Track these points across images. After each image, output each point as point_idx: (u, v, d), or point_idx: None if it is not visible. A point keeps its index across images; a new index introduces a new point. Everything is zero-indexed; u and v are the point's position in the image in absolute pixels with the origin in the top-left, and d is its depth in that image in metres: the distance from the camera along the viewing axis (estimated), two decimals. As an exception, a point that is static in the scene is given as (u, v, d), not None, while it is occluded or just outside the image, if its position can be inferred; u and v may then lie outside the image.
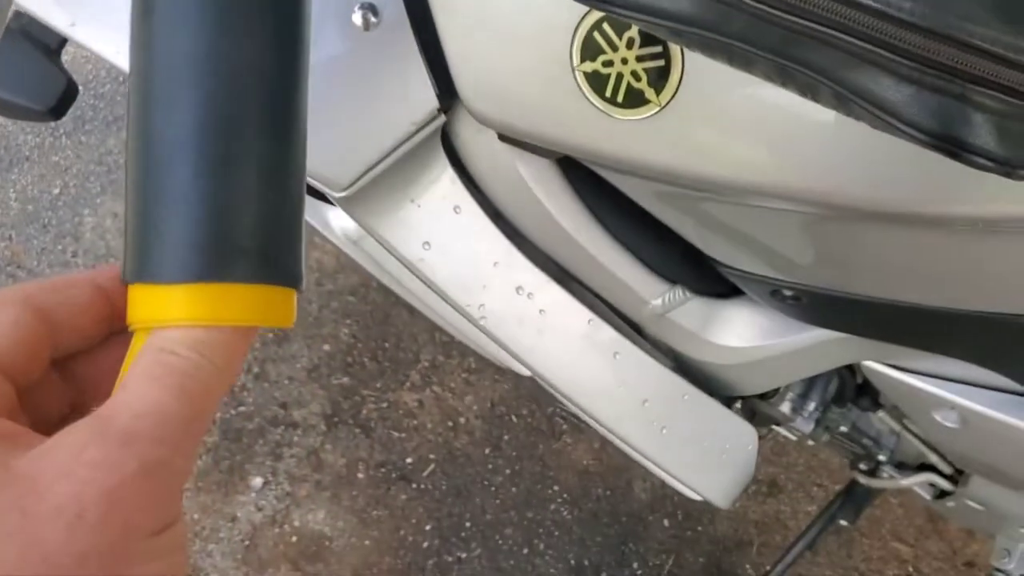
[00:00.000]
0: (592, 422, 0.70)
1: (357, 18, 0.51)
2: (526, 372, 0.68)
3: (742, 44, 0.37)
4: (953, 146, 0.33)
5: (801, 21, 0.33)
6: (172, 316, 0.31)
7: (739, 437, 0.73)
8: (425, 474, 1.33)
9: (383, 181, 0.56)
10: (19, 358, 0.29)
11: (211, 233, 0.32)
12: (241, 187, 0.32)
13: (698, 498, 0.74)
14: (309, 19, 0.36)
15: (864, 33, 0.32)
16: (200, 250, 0.31)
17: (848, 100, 0.36)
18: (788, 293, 0.63)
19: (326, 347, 1.40)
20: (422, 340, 1.41)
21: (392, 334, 1.41)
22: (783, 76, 0.37)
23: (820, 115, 0.46)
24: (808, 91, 0.37)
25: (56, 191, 1.49)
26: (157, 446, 0.27)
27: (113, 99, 1.55)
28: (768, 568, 1.16)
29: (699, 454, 0.71)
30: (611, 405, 0.68)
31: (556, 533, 1.30)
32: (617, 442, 0.71)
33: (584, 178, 0.62)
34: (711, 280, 0.69)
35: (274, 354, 1.37)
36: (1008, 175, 0.34)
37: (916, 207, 0.46)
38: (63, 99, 0.70)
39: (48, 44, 0.67)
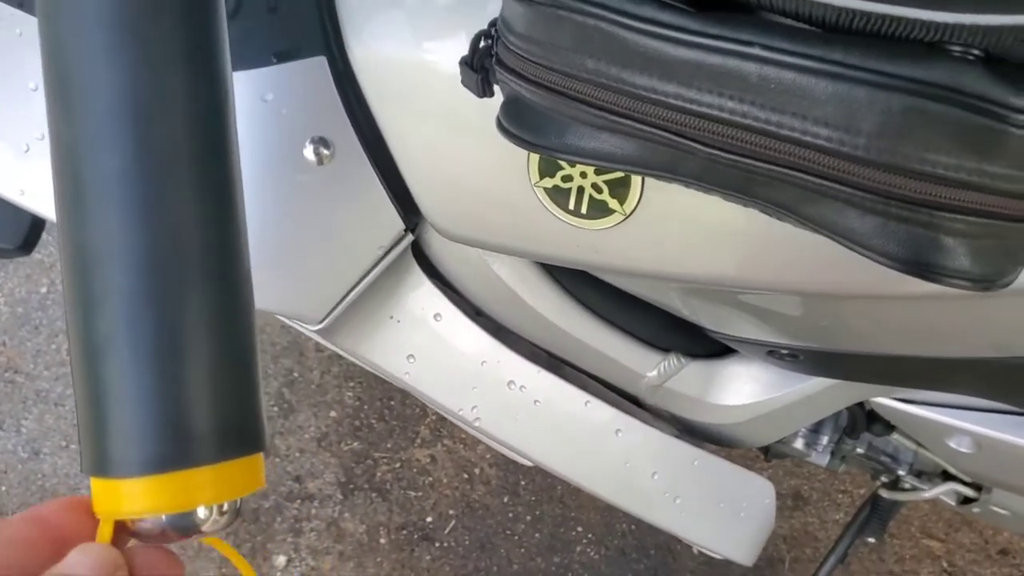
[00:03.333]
0: (605, 500, 0.69)
1: (309, 153, 0.50)
2: (528, 463, 0.67)
3: (699, 183, 0.36)
4: (927, 271, 0.32)
5: (756, 163, 0.32)
6: (136, 509, 0.31)
7: (755, 493, 0.71)
8: (447, 531, 1.32)
9: (359, 305, 0.55)
10: None
11: (164, 421, 0.30)
12: (188, 367, 0.31)
13: (720, 558, 0.73)
14: (239, 176, 0.34)
15: (821, 172, 0.31)
16: (155, 440, 0.30)
17: (812, 228, 0.35)
18: (784, 352, 0.62)
19: (332, 413, 1.38)
20: (427, 393, 1.40)
21: (396, 391, 1.40)
22: (744, 204, 0.36)
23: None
24: (772, 215, 0.36)
25: (44, 290, 1.49)
26: None
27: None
28: (802, 584, 1.15)
29: (717, 517, 0.70)
30: (620, 484, 0.67)
31: (585, 575, 1.29)
32: (633, 514, 0.70)
33: (559, 266, 0.61)
34: (704, 342, 0.67)
35: (281, 427, 1.36)
36: (986, 290, 0.33)
37: (890, 288, 0.45)
38: (30, 234, 0.70)
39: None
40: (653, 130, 0.33)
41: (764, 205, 0.34)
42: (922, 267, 0.32)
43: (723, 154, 0.32)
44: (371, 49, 0.48)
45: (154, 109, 0.31)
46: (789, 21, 0.30)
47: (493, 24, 0.38)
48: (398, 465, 1.36)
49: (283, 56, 0.49)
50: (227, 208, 0.33)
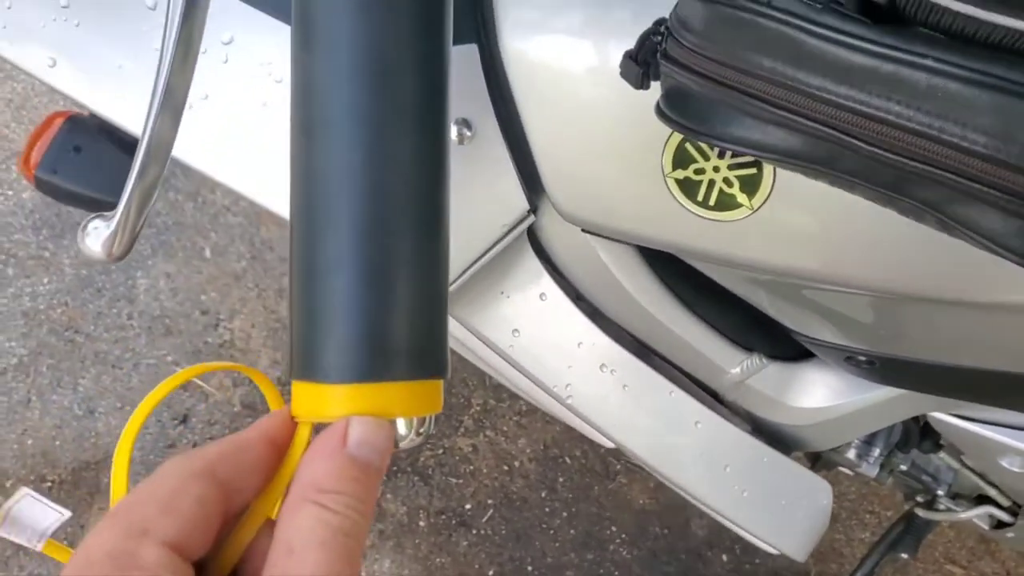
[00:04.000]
0: (675, 487, 0.72)
1: (452, 132, 0.54)
2: (610, 444, 0.70)
3: (853, 178, 0.39)
4: (1061, 273, 0.35)
5: (917, 164, 0.35)
6: (335, 413, 0.34)
7: (815, 493, 0.75)
8: (484, 519, 1.35)
9: (476, 278, 0.59)
10: (197, 535, 0.29)
11: (370, 337, 0.34)
12: (396, 293, 0.35)
13: (776, 553, 0.77)
14: (449, 125, 0.38)
15: (974, 175, 0.34)
16: (360, 353, 0.34)
17: (952, 227, 0.38)
18: (862, 359, 0.65)
19: (379, 397, 1.42)
20: (473, 384, 1.44)
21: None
22: (887, 202, 0.40)
23: (902, 219, 0.48)
24: (911, 214, 0.39)
25: (108, 255, 1.53)
26: None
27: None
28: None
29: (778, 513, 0.73)
30: (694, 472, 0.70)
31: (616, 573, 1.32)
32: (698, 504, 0.73)
33: (661, 258, 0.64)
34: (786, 345, 0.71)
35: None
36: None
37: (997, 296, 0.48)
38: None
39: (123, 138, 0.70)
40: (821, 127, 0.37)
41: (911, 203, 0.38)
42: (1056, 268, 0.35)
43: (884, 153, 0.36)
44: (520, 40, 0.52)
45: (392, 58, 0.35)
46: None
47: (660, 23, 0.42)
48: (441, 452, 1.39)
49: (440, 40, 0.53)
50: (440, 157, 0.37)
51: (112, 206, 0.74)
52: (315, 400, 0.35)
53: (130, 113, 0.58)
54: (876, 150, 0.36)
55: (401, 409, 0.35)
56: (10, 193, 1.54)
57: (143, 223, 0.44)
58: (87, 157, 0.76)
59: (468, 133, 0.54)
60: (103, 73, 0.58)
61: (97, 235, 0.42)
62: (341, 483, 0.31)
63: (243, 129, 0.55)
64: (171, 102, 0.42)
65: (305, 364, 0.35)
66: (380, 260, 0.34)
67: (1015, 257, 0.36)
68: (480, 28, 0.54)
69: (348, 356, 0.34)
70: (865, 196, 0.40)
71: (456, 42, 0.54)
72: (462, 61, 0.54)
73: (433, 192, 0.36)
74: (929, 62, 0.34)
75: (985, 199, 0.35)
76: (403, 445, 0.35)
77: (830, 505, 0.77)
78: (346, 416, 0.34)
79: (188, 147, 0.57)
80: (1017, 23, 0.32)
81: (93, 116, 0.76)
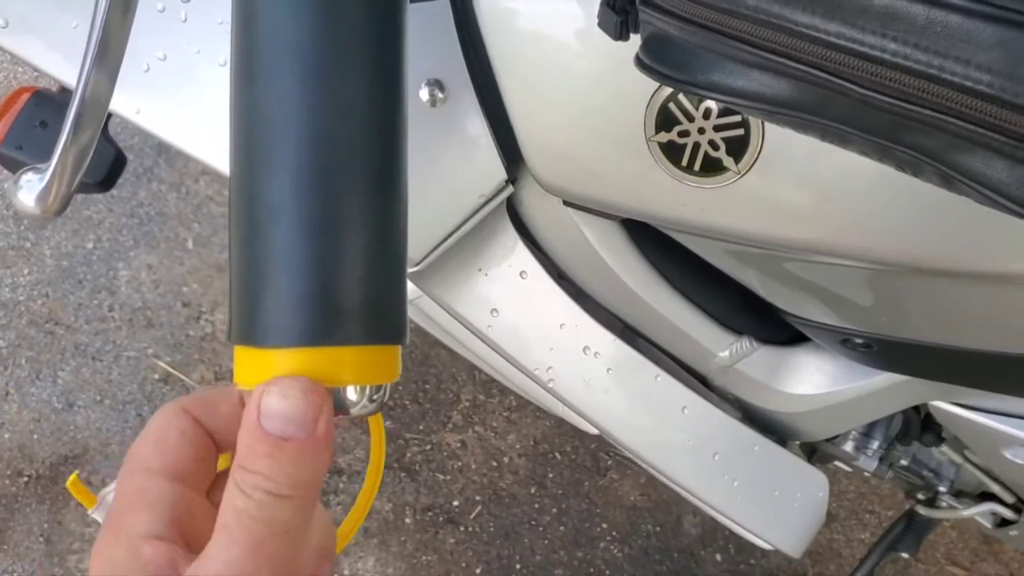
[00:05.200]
0: (662, 477, 0.69)
1: (424, 94, 0.51)
2: (593, 431, 0.67)
3: (844, 127, 0.36)
4: (1072, 226, 0.32)
5: (914, 108, 0.32)
6: None
7: (810, 485, 0.72)
8: (472, 516, 1.32)
9: (451, 253, 0.56)
10: (191, 465, 0.31)
11: (314, 296, 0.31)
12: (346, 247, 0.31)
13: (770, 548, 0.73)
14: (406, 71, 0.35)
15: (977, 118, 0.31)
16: (303, 314, 0.31)
17: (954, 179, 0.35)
18: (859, 341, 0.62)
19: (366, 391, 1.39)
20: (462, 380, 1.41)
21: (432, 375, 1.41)
22: (882, 154, 0.36)
23: (900, 180, 0.45)
24: (908, 168, 0.36)
25: (90, 246, 1.50)
26: None
27: (142, 151, 1.56)
28: (826, 600, 1.15)
29: (771, 506, 0.70)
30: (681, 460, 0.67)
31: (607, 572, 1.29)
32: (687, 496, 0.70)
33: (647, 235, 0.61)
34: (777, 328, 0.68)
35: (314, 400, 1.36)
36: None
37: (987, 265, 0.45)
38: (112, 170, 0.70)
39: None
40: (809, 69, 0.33)
41: (908, 153, 0.35)
42: (1066, 221, 0.32)
43: (878, 96, 0.32)
44: (495, -3, 0.49)
45: None
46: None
47: (640, -33, 0.39)
48: (428, 447, 1.36)
49: (410, -5, 0.50)
50: (393, 103, 0.33)
51: (93, 187, 0.72)
52: (256, 367, 0.32)
53: (85, 75, 0.55)
54: (870, 93, 0.33)
55: (352, 376, 0.32)
56: (-11, 182, 1.51)
57: (79, 179, 0.41)
58: (53, 133, 0.73)
59: (440, 95, 0.51)
60: (57, 34, 0.55)
61: (30, 188, 0.39)
62: (249, 460, 0.29)
63: (201, 90, 0.52)
64: (107, 57, 0.39)
65: (244, 326, 0.32)
66: (325, 209, 0.31)
67: (1021, 209, 0.33)
68: (453, -17, 0.51)
69: (289, 317, 0.31)
70: (859, 150, 0.37)
71: (428, -3, 0.51)
72: (434, 17, 0.51)
73: (387, 140, 0.33)
74: (927, -8, 0.31)
75: (990, 145, 0.32)
76: (355, 412, 0.32)
77: (827, 498, 0.73)
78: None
79: (146, 112, 0.55)
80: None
81: (62, 91, 0.74)
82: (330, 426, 0.30)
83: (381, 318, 0.32)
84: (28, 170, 0.40)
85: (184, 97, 0.53)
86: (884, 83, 0.32)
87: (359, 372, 0.32)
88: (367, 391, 0.32)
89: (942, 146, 0.34)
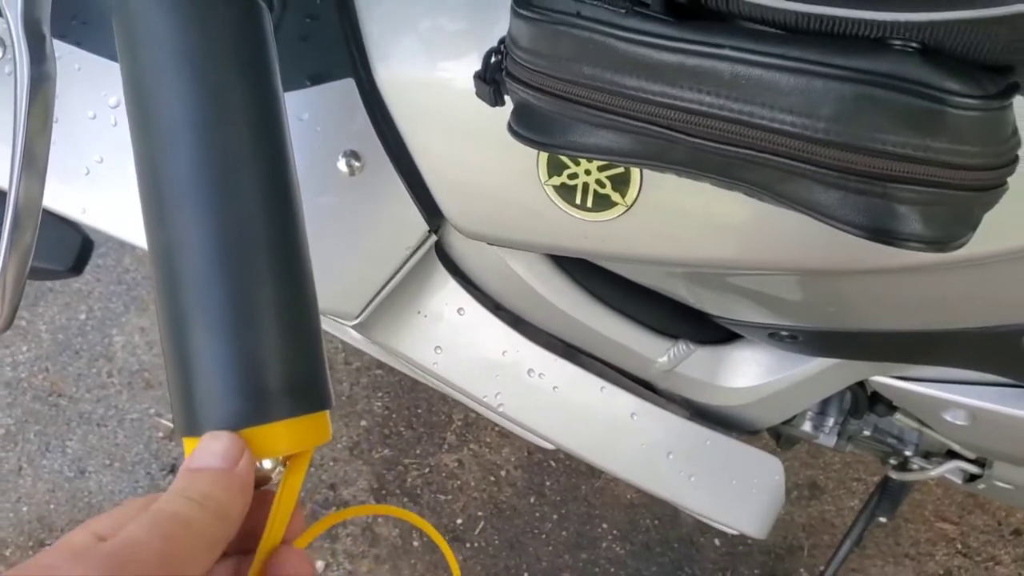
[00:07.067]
0: (626, 482, 0.73)
1: (342, 165, 0.56)
2: (550, 446, 0.71)
3: (687, 169, 0.41)
4: (886, 237, 0.37)
5: (737, 149, 0.36)
6: None
7: (765, 470, 0.76)
8: (476, 532, 1.36)
9: (390, 302, 0.61)
10: None
11: (243, 384, 0.36)
12: (261, 336, 0.36)
13: (735, 532, 0.78)
14: (294, 174, 0.40)
15: (788, 153, 0.35)
16: (236, 401, 0.35)
17: (788, 205, 0.39)
18: (784, 334, 0.66)
19: (363, 423, 1.44)
20: (452, 400, 1.45)
21: (423, 399, 1.45)
22: (729, 187, 0.41)
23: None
24: (752, 195, 0.41)
25: (83, 316, 1.55)
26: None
27: (122, 218, 1.61)
28: (822, 568, 1.19)
29: (729, 493, 0.74)
30: (637, 464, 0.71)
31: (612, 570, 1.33)
32: (652, 495, 0.74)
33: (571, 260, 0.66)
34: (711, 329, 0.72)
35: (313, 438, 1.41)
36: (940, 251, 0.37)
37: (865, 262, 0.49)
38: (81, 255, 0.75)
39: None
40: (644, 125, 0.38)
41: (744, 186, 0.39)
42: (881, 233, 0.36)
43: (704, 142, 0.37)
44: (393, 70, 0.54)
45: (218, 120, 0.36)
46: (756, 26, 0.35)
47: (502, 41, 0.43)
48: (427, 470, 1.41)
49: (316, 79, 0.55)
50: (287, 202, 0.38)
51: (63, 273, 0.76)
52: None
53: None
54: (698, 140, 0.37)
55: (288, 445, 0.36)
56: (-21, 267, 1.56)
57: (22, 290, 0.45)
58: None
59: (357, 164, 0.56)
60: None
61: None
62: (177, 481, 0.34)
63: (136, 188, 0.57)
64: (33, 166, 0.43)
65: (185, 420, 0.36)
66: (236, 306, 0.36)
67: (844, 227, 0.38)
68: (355, 61, 0.55)
69: (219, 407, 0.36)
70: (711, 183, 0.41)
71: (333, 78, 0.56)
72: (342, 95, 0.55)
73: (285, 237, 0.38)
74: (727, 51, 0.35)
75: (804, 174, 0.37)
76: (275, 478, 0.37)
77: (783, 480, 0.78)
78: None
79: (92, 211, 0.59)
80: (801, 6, 0.34)
81: None
82: (250, 469, 0.35)
83: (305, 391, 0.37)
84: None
85: (124, 195, 0.58)
86: (707, 131, 0.37)
87: (293, 441, 0.37)
88: (280, 459, 0.37)
89: (769, 179, 0.39)
